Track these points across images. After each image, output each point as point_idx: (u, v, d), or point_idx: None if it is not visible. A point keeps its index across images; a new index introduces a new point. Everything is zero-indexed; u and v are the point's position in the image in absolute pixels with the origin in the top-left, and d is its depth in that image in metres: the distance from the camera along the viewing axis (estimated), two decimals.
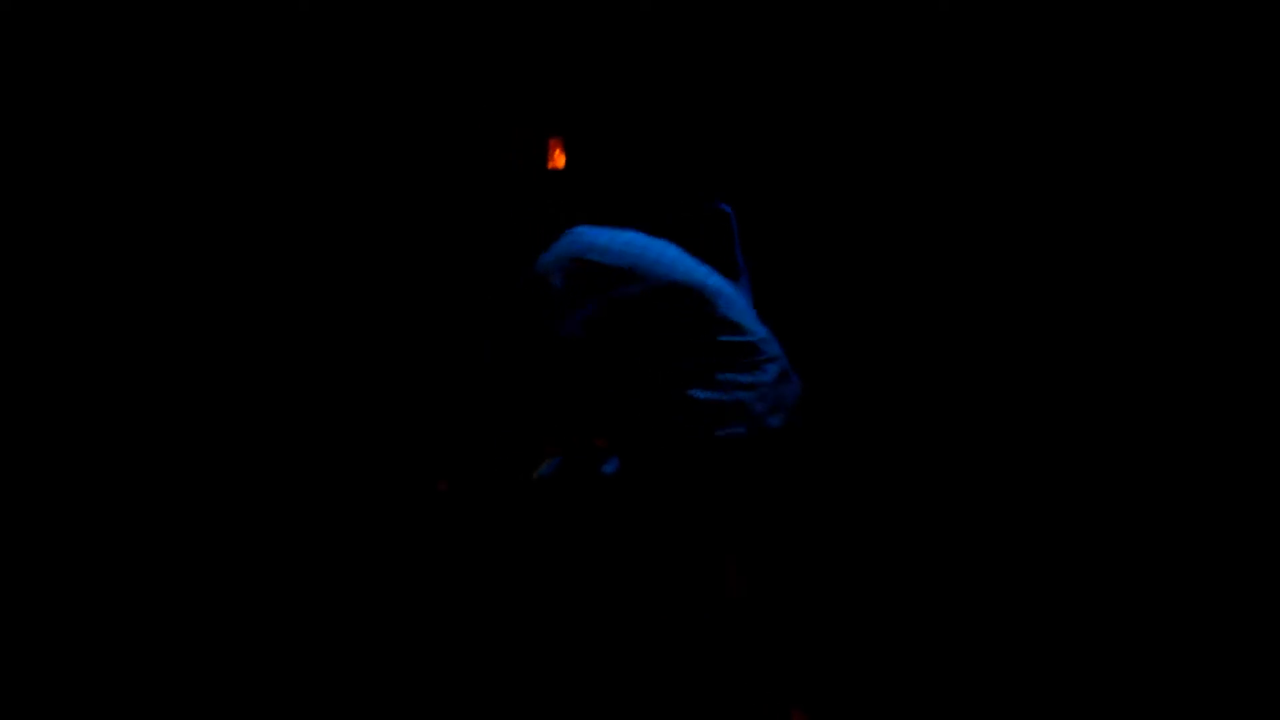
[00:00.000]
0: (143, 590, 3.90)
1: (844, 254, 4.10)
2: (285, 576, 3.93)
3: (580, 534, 3.19)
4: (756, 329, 3.18)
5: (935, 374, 4.07)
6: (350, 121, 4.11)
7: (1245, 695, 3.52)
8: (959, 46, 3.99)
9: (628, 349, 3.08)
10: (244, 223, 4.11)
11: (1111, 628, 3.77)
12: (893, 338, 4.07)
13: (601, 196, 3.28)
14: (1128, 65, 3.98)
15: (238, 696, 3.69)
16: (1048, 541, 3.93)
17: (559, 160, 3.23)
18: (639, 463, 3.06)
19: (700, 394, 3.05)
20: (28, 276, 4.04)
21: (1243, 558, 3.81)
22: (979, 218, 4.08)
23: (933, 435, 4.04)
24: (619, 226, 3.26)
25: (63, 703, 3.58)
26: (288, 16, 4.06)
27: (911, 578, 3.93)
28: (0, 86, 4.02)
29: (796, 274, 3.95)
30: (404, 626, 3.79)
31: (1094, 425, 3.99)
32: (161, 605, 3.89)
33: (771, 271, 3.56)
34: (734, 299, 3.19)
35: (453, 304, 3.99)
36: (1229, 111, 3.93)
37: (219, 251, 4.10)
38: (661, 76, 4.04)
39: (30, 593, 3.82)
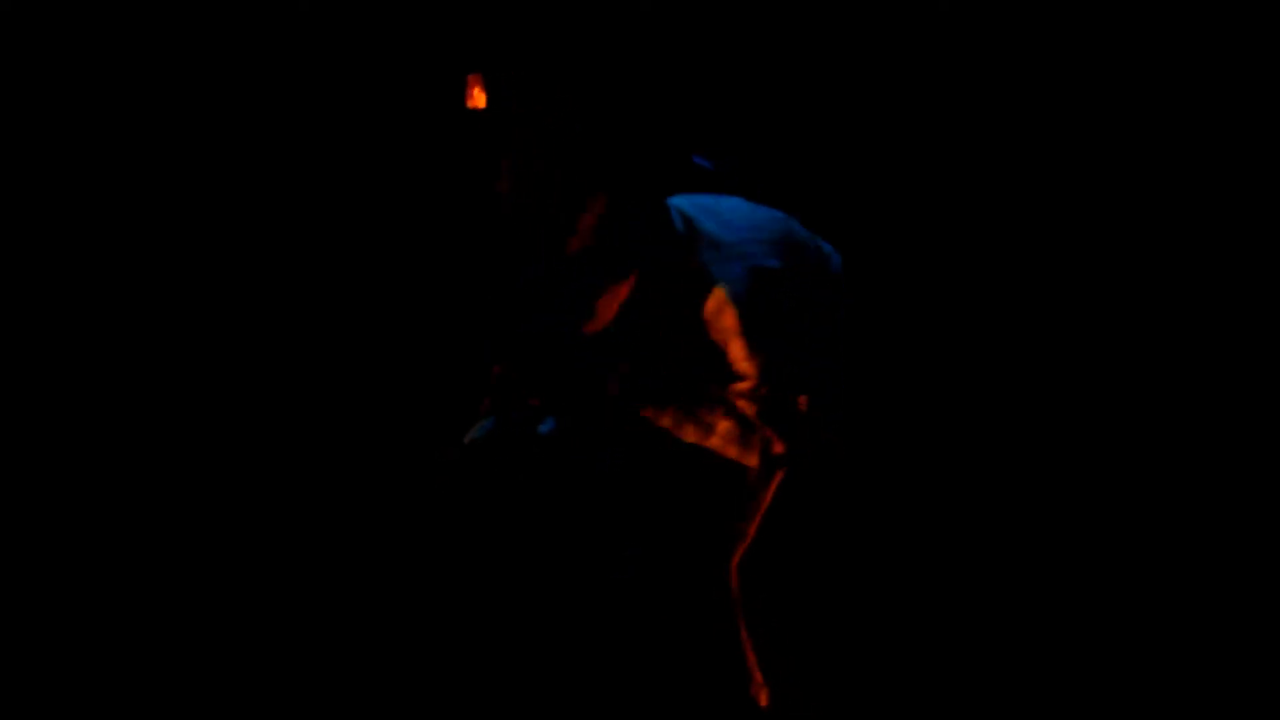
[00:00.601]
0: (150, 544, 3.91)
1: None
2: (291, 549, 3.92)
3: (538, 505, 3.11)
4: None
5: (932, 371, 4.07)
6: (348, 117, 4.12)
7: (1246, 695, 3.52)
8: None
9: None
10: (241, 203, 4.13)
11: (1115, 630, 3.76)
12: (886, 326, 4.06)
13: (575, 145, 3.17)
14: (1128, 64, 4.00)
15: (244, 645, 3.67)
16: (1048, 542, 3.93)
17: (479, 99, 3.16)
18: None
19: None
20: (26, 276, 4.05)
21: (1244, 559, 3.81)
22: (978, 212, 4.09)
23: (930, 434, 4.04)
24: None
25: (63, 702, 3.57)
26: (287, 16, 4.08)
27: (912, 578, 3.92)
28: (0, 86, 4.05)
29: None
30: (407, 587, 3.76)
31: (1095, 423, 4.00)
32: (169, 553, 3.89)
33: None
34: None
35: (452, 283, 3.97)
36: (1229, 112, 3.95)
37: (222, 233, 4.12)
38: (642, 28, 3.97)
39: (29, 591, 3.82)
